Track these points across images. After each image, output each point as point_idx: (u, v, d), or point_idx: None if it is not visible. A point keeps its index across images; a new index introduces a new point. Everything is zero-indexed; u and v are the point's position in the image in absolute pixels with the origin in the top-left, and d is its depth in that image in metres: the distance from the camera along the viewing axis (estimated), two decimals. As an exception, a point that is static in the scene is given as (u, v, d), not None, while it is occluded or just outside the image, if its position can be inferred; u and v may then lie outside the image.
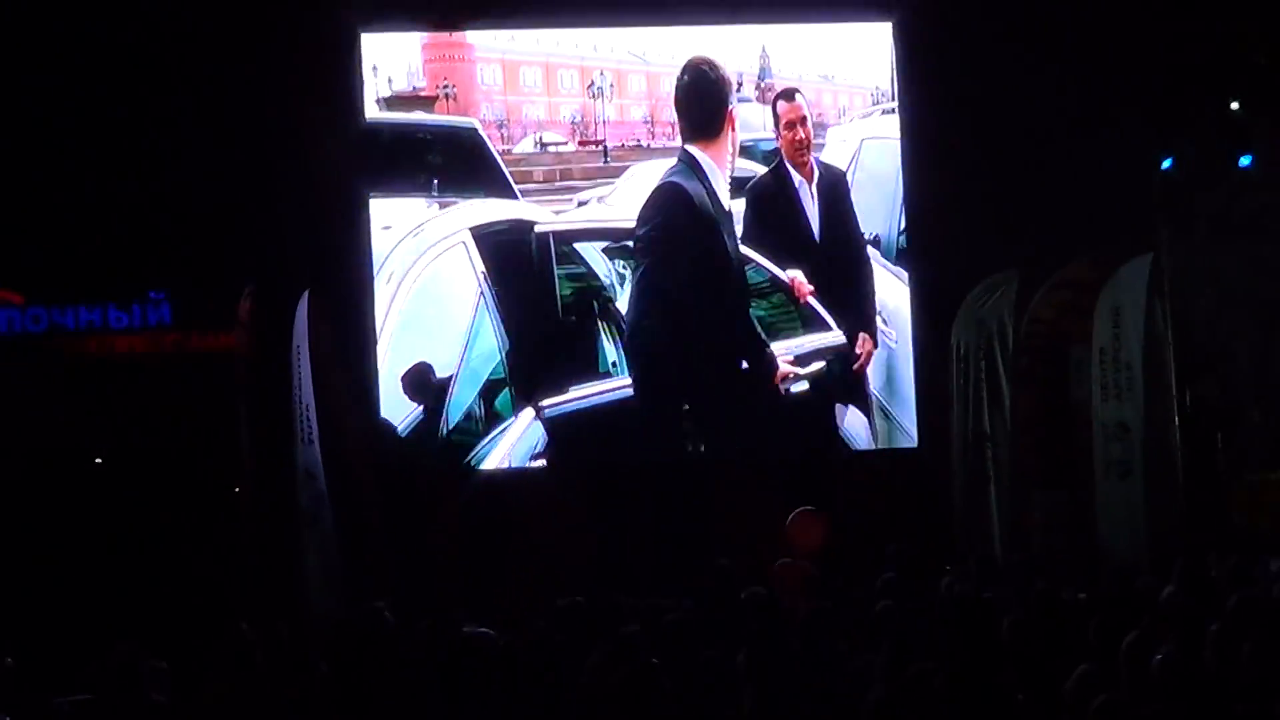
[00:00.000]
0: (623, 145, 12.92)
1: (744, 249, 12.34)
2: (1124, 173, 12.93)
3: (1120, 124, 12.94)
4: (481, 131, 12.80)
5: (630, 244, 12.24)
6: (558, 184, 12.83)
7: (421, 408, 12.36)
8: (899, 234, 13.03)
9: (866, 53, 13.27)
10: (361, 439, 11.71)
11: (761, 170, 12.73)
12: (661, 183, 11.97)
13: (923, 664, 6.34)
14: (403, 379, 12.37)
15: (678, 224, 11.79)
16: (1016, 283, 12.00)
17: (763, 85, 13.14)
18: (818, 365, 12.45)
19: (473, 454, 12.38)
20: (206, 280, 12.24)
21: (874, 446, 12.90)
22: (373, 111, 12.80)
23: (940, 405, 12.47)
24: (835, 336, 12.57)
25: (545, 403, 12.28)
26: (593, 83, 13.04)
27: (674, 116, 12.38)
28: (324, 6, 12.71)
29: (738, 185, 12.31)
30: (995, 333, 11.99)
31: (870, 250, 12.91)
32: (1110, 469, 11.23)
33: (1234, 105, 13.61)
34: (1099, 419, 11.32)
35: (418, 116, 12.83)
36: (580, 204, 12.69)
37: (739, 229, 12.32)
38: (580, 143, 12.98)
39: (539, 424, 12.27)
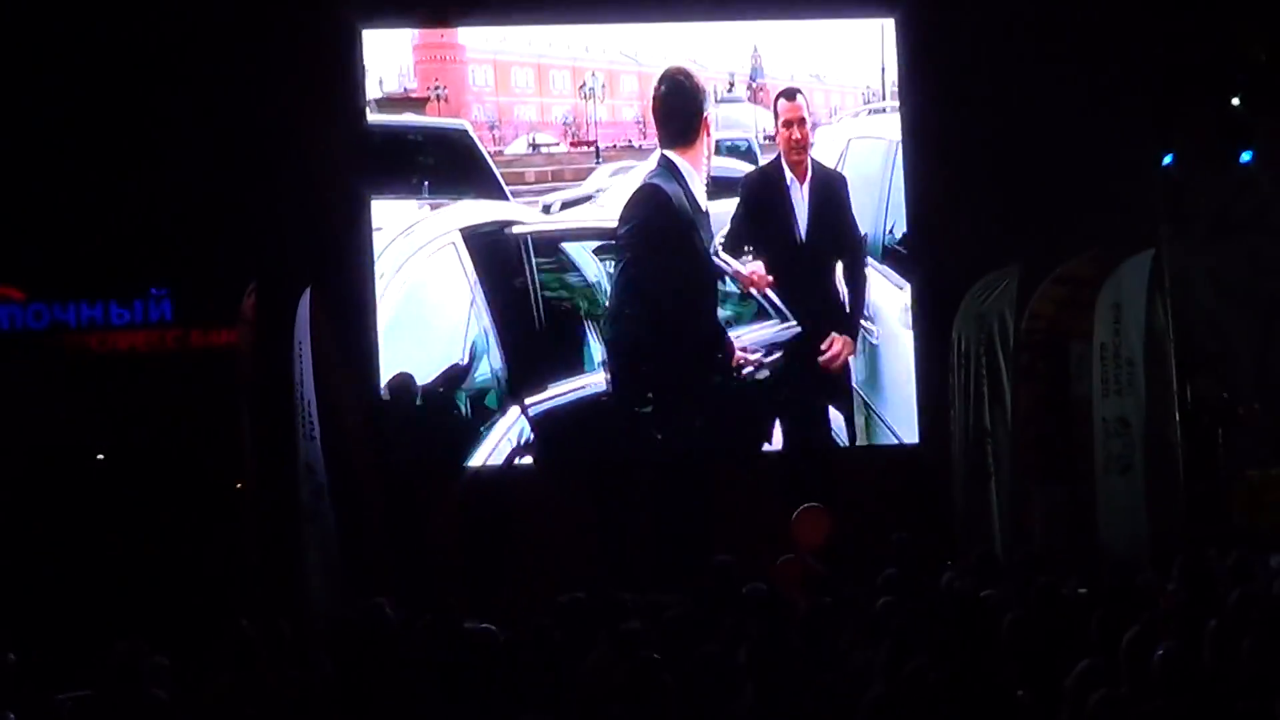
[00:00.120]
0: (614, 146, 12.98)
1: (717, 244, 12.47)
2: (1125, 169, 12.95)
3: (1121, 120, 12.95)
4: (472, 133, 12.88)
5: (612, 241, 12.41)
6: (550, 185, 12.93)
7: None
8: (885, 233, 13.05)
9: (858, 52, 13.31)
10: (362, 435, 11.72)
11: (748, 169, 12.85)
12: (643, 184, 12.23)
13: (920, 661, 6.35)
14: (387, 386, 12.46)
15: (657, 222, 12.06)
16: (1017, 278, 11.98)
17: (754, 85, 13.24)
18: (776, 356, 12.53)
19: (463, 451, 12.47)
20: (208, 277, 12.25)
21: (853, 443, 12.92)
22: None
23: (941, 401, 12.48)
24: (792, 328, 12.64)
25: (531, 400, 12.41)
26: (584, 83, 13.12)
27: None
28: (324, 4, 12.71)
29: (728, 185, 12.54)
30: (996, 329, 11.97)
31: (858, 251, 12.97)
32: (1111, 465, 11.23)
33: (1234, 102, 13.61)
34: (1099, 415, 11.32)
35: (409, 118, 12.90)
36: (544, 209, 12.79)
37: (715, 226, 12.47)
38: (572, 144, 13.06)
39: (525, 421, 12.41)
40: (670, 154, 12.14)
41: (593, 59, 13.16)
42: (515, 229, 12.60)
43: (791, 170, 12.56)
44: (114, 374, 12.52)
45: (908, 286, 13.06)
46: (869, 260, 12.97)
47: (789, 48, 13.30)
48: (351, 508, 11.13)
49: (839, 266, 12.70)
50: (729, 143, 12.78)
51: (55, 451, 12.22)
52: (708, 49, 13.00)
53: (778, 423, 12.74)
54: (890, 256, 13.08)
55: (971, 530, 11.86)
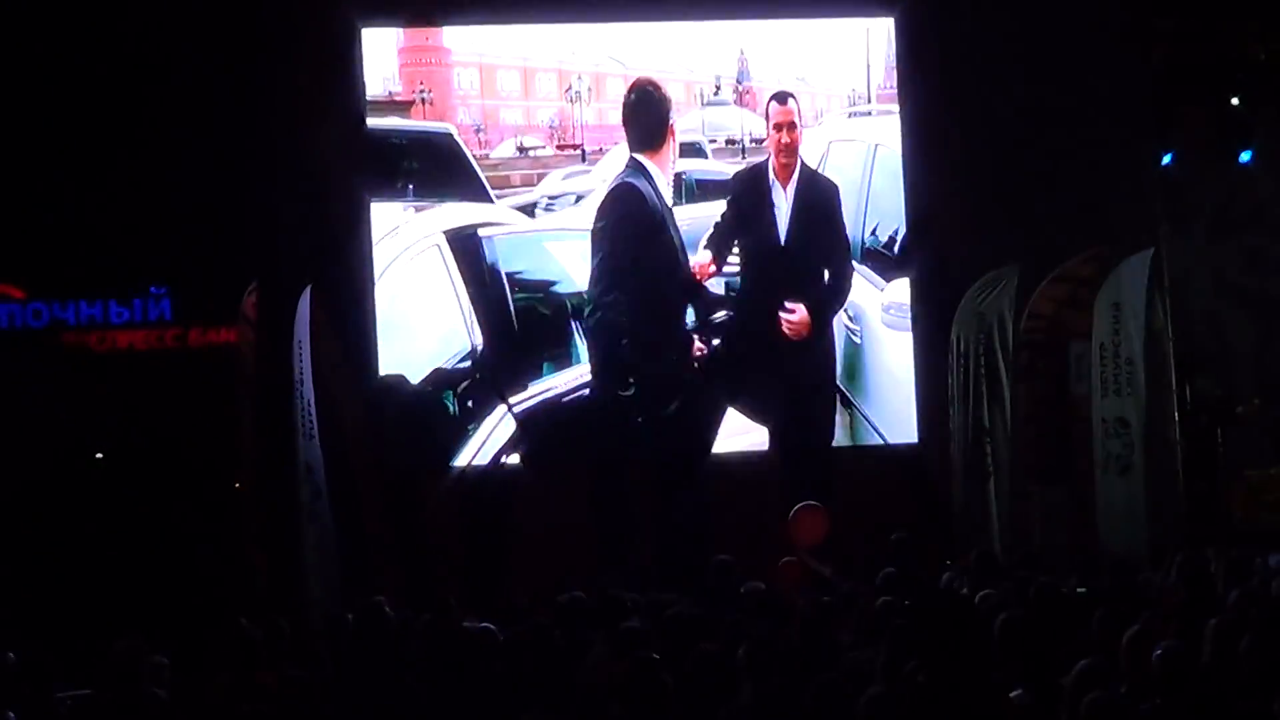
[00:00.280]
0: (600, 149, 13.02)
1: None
2: (1124, 168, 12.95)
3: (1121, 119, 12.96)
4: (457, 136, 12.94)
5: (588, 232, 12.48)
6: (535, 188, 13.07)
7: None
8: (867, 234, 13.04)
9: (844, 55, 13.35)
10: (360, 434, 11.72)
11: (727, 173, 12.97)
12: (617, 182, 12.34)
13: (913, 661, 6.34)
14: (374, 388, 12.49)
15: (634, 216, 12.20)
16: (1017, 278, 12.01)
17: (740, 88, 13.28)
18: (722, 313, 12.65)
19: (452, 450, 12.52)
20: (207, 276, 12.25)
21: (838, 443, 12.91)
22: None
23: (940, 401, 12.48)
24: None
25: (517, 398, 12.52)
26: (570, 86, 13.18)
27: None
28: (324, 2, 12.71)
29: (718, 186, 12.83)
30: (995, 328, 11.99)
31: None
32: (1110, 464, 11.25)
33: (1234, 101, 13.63)
34: (1099, 414, 11.34)
35: (394, 122, 12.94)
36: (530, 212, 12.94)
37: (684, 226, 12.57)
38: (558, 147, 13.11)
39: (512, 419, 12.50)
40: (639, 156, 12.32)
41: (578, 62, 13.23)
42: (497, 230, 12.74)
43: (777, 173, 12.57)
44: (113, 373, 12.50)
45: (887, 286, 13.05)
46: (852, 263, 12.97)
47: (775, 51, 13.36)
48: (350, 506, 11.12)
49: (825, 272, 12.68)
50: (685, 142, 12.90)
51: (55, 450, 12.21)
52: (694, 52, 13.15)
53: (767, 423, 12.75)
54: (871, 257, 13.08)
55: (971, 530, 11.88)
